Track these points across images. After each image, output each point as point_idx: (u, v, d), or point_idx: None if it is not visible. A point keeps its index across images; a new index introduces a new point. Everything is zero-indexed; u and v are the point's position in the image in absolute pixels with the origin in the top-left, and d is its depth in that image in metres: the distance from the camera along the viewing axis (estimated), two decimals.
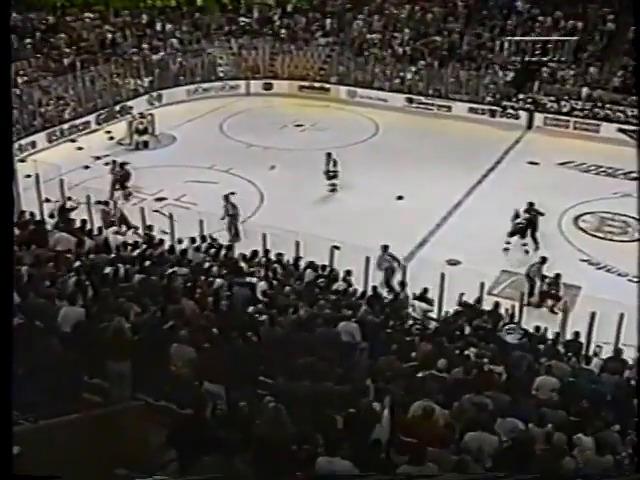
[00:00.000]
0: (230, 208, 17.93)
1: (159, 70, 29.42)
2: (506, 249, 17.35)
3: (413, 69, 29.73)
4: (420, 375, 9.17)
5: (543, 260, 15.50)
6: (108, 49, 29.04)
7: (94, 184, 19.36)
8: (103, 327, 8.90)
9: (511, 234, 17.30)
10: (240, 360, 8.71)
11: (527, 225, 17.28)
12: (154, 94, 28.73)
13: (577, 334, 12.15)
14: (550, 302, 15.08)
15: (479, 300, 13.36)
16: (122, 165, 20.36)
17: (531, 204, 17.42)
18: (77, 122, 25.69)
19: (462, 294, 13.31)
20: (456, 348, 10.43)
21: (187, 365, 8.63)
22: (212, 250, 14.61)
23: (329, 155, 21.07)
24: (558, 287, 15.11)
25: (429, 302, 13.33)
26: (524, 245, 17.40)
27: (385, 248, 15.31)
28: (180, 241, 15.08)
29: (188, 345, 8.86)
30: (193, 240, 14.89)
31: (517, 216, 17.34)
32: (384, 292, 14.18)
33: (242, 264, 14.02)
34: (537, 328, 12.26)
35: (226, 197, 18.13)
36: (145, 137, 24.66)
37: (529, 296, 14.95)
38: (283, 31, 32.08)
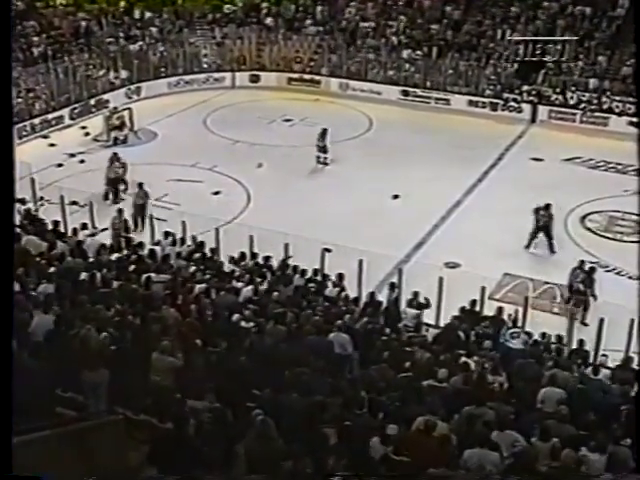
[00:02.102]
0: (142, 196, 18.14)
1: (138, 61, 29.35)
2: (528, 246, 17.52)
3: (409, 60, 29.77)
4: (417, 385, 9.17)
5: (591, 270, 15.33)
6: (82, 38, 28.95)
7: (68, 183, 19.30)
8: (77, 336, 8.87)
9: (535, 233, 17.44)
10: (225, 371, 8.70)
11: (539, 227, 17.33)
12: (132, 87, 28.68)
13: (582, 342, 12.16)
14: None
15: (478, 304, 13.33)
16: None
17: (548, 205, 17.43)
18: (49, 117, 25.60)
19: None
20: (455, 357, 10.44)
21: (169, 376, 8.61)
22: (195, 254, 14.59)
23: (324, 130, 22.28)
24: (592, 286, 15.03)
25: (421, 306, 13.30)
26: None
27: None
28: (158, 243, 15.05)
29: (169, 355, 8.84)
30: (174, 242, 14.85)
31: (537, 211, 17.42)
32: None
33: (227, 268, 14.01)
34: (543, 335, 12.27)
35: (140, 185, 18.34)
36: (124, 133, 24.62)
37: (566, 302, 15.06)
38: (270, 19, 32.10)
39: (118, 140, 24.36)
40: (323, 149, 22.61)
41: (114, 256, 13.63)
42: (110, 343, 9.23)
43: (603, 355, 11.89)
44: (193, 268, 13.68)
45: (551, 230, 17.54)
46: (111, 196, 19.78)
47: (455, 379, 9.45)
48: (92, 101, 27.10)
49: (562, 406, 9.21)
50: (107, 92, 27.77)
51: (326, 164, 22.60)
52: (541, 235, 17.56)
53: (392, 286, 13.95)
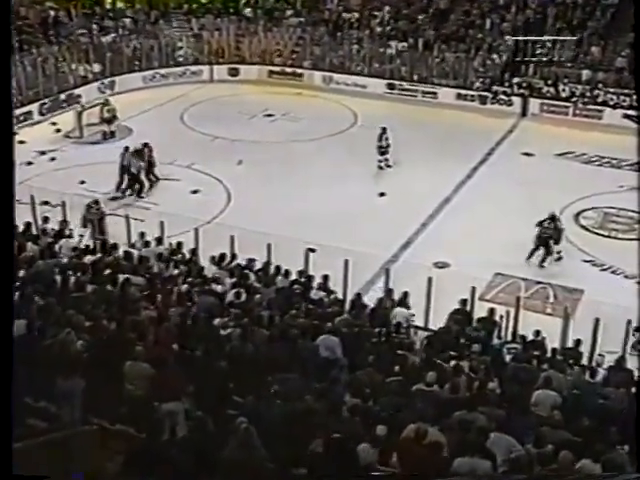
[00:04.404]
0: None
1: (110, 54, 29.22)
2: (529, 257, 17.07)
3: (394, 52, 29.83)
4: (407, 390, 9.19)
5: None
6: (51, 29, 28.77)
7: (39, 182, 19.19)
8: (50, 342, 8.82)
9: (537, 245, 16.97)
10: (205, 377, 8.68)
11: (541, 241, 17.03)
12: (105, 81, 28.56)
13: (578, 342, 12.21)
14: None
15: (469, 306, 13.37)
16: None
17: (553, 217, 17.05)
18: (17, 112, 25.36)
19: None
20: (446, 360, 10.47)
21: (144, 384, 8.58)
22: (174, 255, 14.57)
23: (384, 130, 21.86)
24: None
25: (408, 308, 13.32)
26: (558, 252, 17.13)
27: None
28: (133, 246, 15.01)
29: (145, 362, 8.82)
30: (147, 243, 14.82)
31: (541, 224, 16.91)
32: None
33: (207, 270, 13.98)
34: (537, 332, 12.32)
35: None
36: (113, 127, 24.49)
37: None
38: (249, 10, 32.05)
39: (107, 134, 24.25)
40: (384, 150, 22.07)
41: (88, 258, 13.57)
42: (85, 349, 9.19)
43: (600, 355, 11.94)
44: (172, 270, 13.65)
45: (551, 244, 16.95)
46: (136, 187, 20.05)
47: (445, 383, 9.45)
48: (63, 96, 26.94)
49: (556, 411, 9.26)
50: (78, 87, 27.64)
51: (389, 166, 22.12)
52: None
53: (389, 292, 13.87)
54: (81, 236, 15.96)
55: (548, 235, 16.93)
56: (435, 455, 7.58)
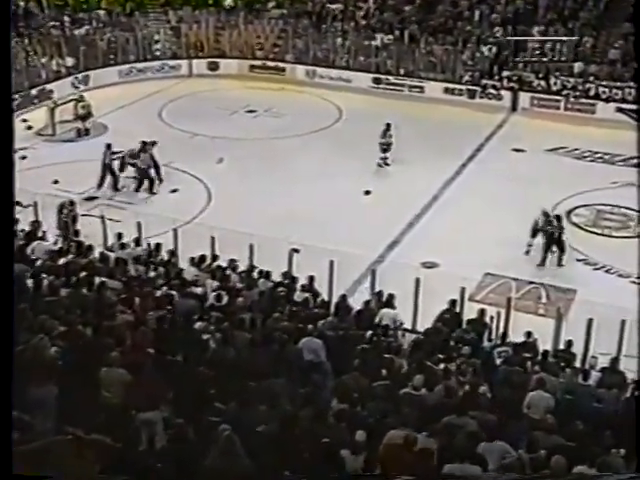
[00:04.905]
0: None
1: (84, 47, 29.12)
2: (527, 252, 17.23)
3: (380, 44, 29.87)
4: (395, 395, 9.20)
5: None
6: (21, 21, 28.58)
7: None
8: (22, 348, 8.76)
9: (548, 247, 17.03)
10: (185, 383, 8.66)
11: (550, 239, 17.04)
12: (79, 76, 28.47)
13: (570, 343, 12.25)
14: None
15: (458, 307, 13.40)
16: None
17: (547, 214, 17.08)
18: None
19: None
20: (435, 363, 10.48)
21: (120, 391, 8.55)
22: (152, 257, 14.54)
23: (388, 126, 21.88)
24: None
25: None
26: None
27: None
28: (109, 248, 14.95)
29: (122, 368, 8.79)
30: (123, 245, 14.77)
31: (537, 223, 16.97)
32: None
33: (187, 272, 13.95)
34: (529, 334, 12.35)
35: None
36: (88, 124, 24.44)
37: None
38: (229, 1, 31.99)
39: (82, 131, 24.19)
40: (386, 147, 22.20)
41: (62, 260, 13.51)
42: (59, 356, 9.15)
43: (593, 357, 11.98)
44: (150, 273, 13.61)
45: (564, 240, 17.06)
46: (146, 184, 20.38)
47: (434, 387, 9.47)
48: (34, 91, 26.80)
49: (549, 415, 9.29)
50: (51, 82, 27.51)
51: (387, 164, 22.26)
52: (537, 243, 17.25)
53: (375, 294, 13.85)
54: (59, 237, 15.89)
55: (557, 231, 16.96)
56: (425, 463, 7.59)
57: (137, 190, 20.38)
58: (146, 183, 20.51)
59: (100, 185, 20.25)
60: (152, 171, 20.58)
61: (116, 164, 20.50)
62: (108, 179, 20.40)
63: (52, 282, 11.95)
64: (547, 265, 16.94)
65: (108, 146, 20.51)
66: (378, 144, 22.04)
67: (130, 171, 20.75)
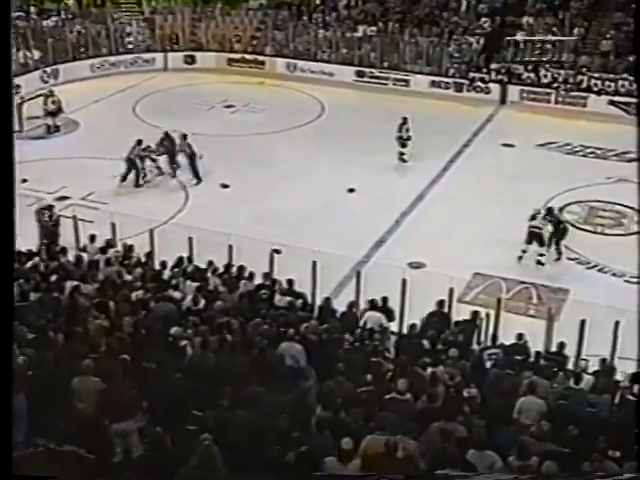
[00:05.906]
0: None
1: (52, 39, 28.95)
2: (520, 257, 17.13)
3: (364, 36, 29.88)
4: (380, 399, 9.21)
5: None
6: None
7: None
8: None
9: (528, 241, 17.01)
10: (161, 390, 8.64)
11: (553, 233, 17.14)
12: (48, 70, 28.29)
13: (562, 345, 12.29)
14: None
15: (446, 308, 13.42)
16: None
17: (550, 209, 17.29)
18: None
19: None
20: (422, 366, 10.49)
21: (93, 400, 8.52)
22: (127, 259, 14.50)
23: (405, 120, 21.99)
24: None
25: (389, 314, 13.33)
26: (540, 255, 17.11)
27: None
28: (84, 249, 14.89)
29: (95, 376, 8.76)
30: (100, 249, 14.72)
31: (534, 218, 17.01)
32: None
33: (164, 274, 13.92)
34: (520, 335, 12.39)
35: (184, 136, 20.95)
36: (58, 120, 24.34)
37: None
38: None
39: (52, 128, 24.09)
40: (404, 142, 22.21)
41: (30, 263, 13.45)
42: (28, 365, 9.09)
43: (584, 359, 12.02)
44: (125, 276, 13.56)
45: (565, 235, 17.24)
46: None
47: (421, 391, 9.48)
48: None
49: (543, 421, 9.30)
50: (17, 75, 27.21)
51: (404, 161, 22.30)
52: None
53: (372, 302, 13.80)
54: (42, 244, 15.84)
55: (559, 225, 17.17)
56: (407, 470, 7.61)
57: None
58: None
59: (124, 179, 20.61)
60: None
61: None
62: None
63: (21, 286, 11.88)
64: (538, 266, 17.01)
65: (139, 142, 20.72)
66: (395, 139, 22.09)
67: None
